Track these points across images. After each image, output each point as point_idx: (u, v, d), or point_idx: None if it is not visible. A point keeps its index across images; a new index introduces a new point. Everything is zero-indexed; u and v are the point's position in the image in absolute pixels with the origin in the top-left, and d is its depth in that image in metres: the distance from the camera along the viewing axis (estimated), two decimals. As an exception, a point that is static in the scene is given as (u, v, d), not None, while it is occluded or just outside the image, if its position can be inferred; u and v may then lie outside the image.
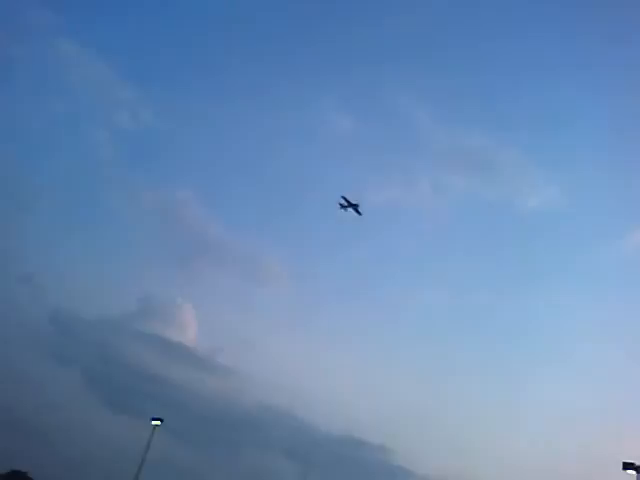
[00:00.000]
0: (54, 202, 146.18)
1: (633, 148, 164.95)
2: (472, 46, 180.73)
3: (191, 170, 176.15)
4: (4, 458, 74.58)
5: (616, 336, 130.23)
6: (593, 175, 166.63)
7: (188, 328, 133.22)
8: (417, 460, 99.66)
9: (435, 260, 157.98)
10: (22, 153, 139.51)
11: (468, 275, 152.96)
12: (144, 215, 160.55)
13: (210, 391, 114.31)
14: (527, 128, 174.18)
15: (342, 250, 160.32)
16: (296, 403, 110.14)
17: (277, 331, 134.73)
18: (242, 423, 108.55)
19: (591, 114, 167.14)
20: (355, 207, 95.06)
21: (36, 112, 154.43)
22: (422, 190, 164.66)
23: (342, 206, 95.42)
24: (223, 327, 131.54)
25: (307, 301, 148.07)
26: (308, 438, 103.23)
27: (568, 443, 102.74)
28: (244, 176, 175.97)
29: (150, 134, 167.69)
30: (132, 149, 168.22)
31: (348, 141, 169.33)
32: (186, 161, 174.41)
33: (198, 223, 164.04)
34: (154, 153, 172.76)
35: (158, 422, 58.45)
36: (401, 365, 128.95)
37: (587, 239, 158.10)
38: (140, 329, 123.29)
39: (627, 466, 35.84)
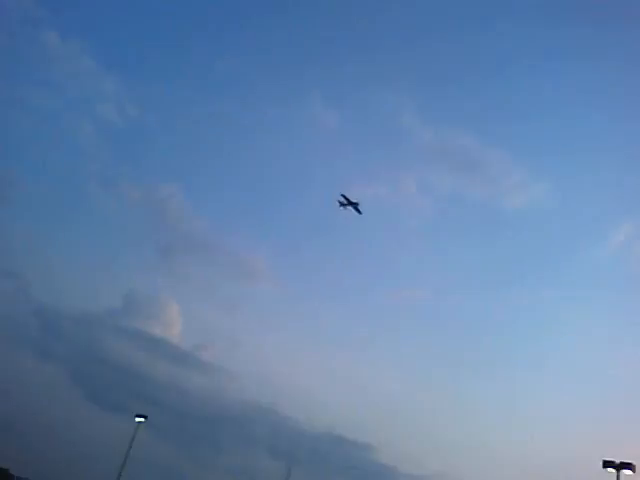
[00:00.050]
0: (37, 196, 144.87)
1: (620, 147, 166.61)
2: (459, 45, 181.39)
3: (176, 165, 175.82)
4: (-15, 455, 73.60)
5: (602, 335, 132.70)
6: (579, 174, 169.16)
7: (173, 325, 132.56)
8: (402, 458, 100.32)
9: (419, 259, 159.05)
10: (4, 146, 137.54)
11: (452, 274, 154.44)
12: (128, 210, 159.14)
13: (194, 388, 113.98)
14: (513, 127, 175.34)
15: (328, 247, 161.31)
16: (280, 401, 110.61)
17: (262, 328, 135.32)
18: (226, 420, 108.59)
19: (578, 114, 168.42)
20: (355, 206, 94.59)
21: (19, 105, 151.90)
22: (407, 188, 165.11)
23: (341, 204, 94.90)
24: (208, 324, 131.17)
25: (292, 299, 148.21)
26: (292, 436, 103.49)
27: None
28: (230, 172, 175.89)
29: (135, 128, 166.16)
30: (116, 143, 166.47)
31: (334, 138, 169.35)
32: (171, 156, 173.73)
33: (183, 218, 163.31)
34: (139, 147, 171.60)
35: (142, 419, 58.07)
36: (386, 363, 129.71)
37: (573, 238, 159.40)
38: (124, 325, 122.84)
39: (607, 464, 35.84)
